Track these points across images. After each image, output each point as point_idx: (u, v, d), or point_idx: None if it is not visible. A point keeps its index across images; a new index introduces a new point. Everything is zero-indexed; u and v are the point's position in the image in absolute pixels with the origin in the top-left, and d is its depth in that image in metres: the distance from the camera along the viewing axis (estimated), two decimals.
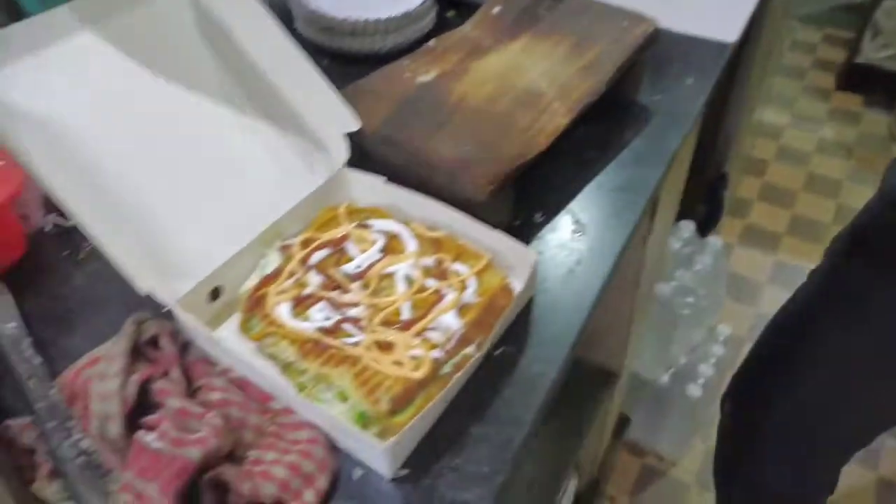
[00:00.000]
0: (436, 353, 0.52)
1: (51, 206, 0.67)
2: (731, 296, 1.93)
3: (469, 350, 0.54)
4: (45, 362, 0.56)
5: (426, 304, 0.56)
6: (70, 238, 0.68)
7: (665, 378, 1.55)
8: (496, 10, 0.82)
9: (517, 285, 0.58)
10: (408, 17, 0.87)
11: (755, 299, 1.97)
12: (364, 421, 0.51)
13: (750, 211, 2.22)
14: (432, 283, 0.57)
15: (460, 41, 0.77)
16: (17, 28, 0.53)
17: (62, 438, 0.50)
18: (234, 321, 0.60)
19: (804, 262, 2.02)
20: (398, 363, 0.52)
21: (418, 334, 0.53)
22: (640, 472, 1.62)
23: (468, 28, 0.80)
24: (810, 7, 2.90)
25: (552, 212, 0.69)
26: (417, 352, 0.52)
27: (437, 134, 0.65)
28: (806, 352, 0.94)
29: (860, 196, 2.27)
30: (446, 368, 0.52)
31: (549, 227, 0.68)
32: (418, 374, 0.51)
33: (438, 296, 0.56)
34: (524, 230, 0.67)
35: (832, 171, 2.36)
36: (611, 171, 0.74)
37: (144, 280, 0.53)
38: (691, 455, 1.64)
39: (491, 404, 0.54)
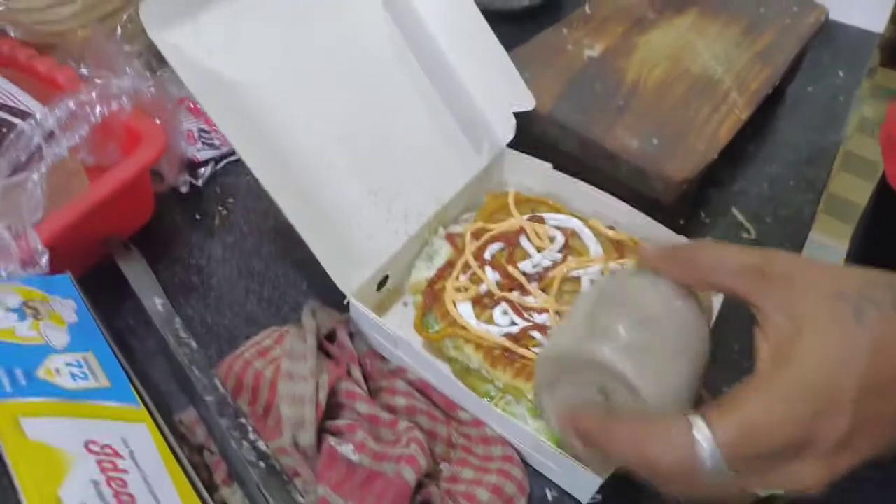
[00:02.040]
0: None
1: (188, 168, 0.61)
2: None
3: None
4: (198, 345, 0.51)
5: None
6: (201, 201, 0.62)
7: None
8: None
9: (714, 299, 0.54)
10: None
11: None
12: (557, 440, 0.48)
13: None
14: None
15: (619, 11, 0.71)
16: None
17: (238, 439, 0.46)
18: (400, 312, 0.56)
19: (837, 242, 2.02)
20: None
21: None
22: None
23: None
24: None
25: (718, 211, 0.65)
26: None
27: (617, 121, 0.60)
28: None
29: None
30: None
31: (717, 227, 0.64)
32: None
33: None
34: (690, 230, 0.63)
35: (869, 153, 2.33)
36: (774, 168, 0.69)
37: (340, 277, 0.48)
38: None
39: None
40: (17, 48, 0.60)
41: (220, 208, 0.62)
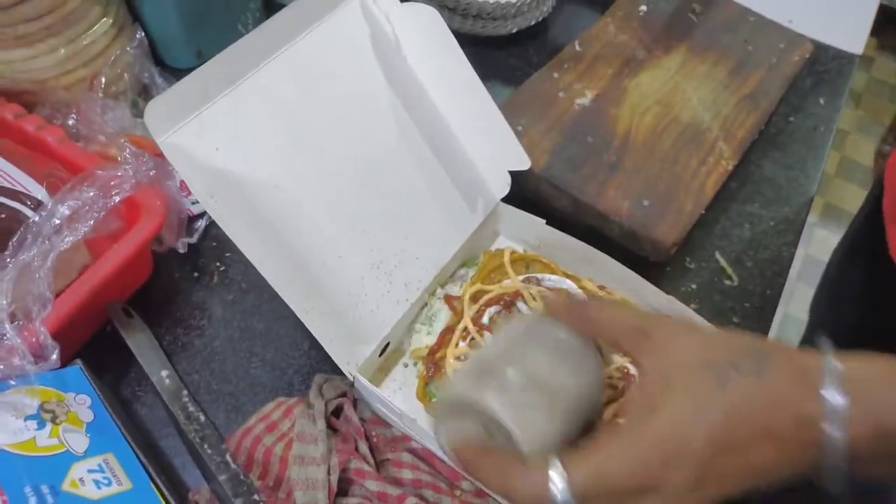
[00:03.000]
0: None
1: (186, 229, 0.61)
2: None
3: None
4: (207, 417, 0.53)
5: (613, 382, 0.54)
6: (198, 256, 0.63)
7: None
8: (642, 9, 0.75)
9: None
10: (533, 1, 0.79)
11: (786, 299, 1.97)
12: None
13: None
14: (616, 358, 0.55)
15: (609, 48, 0.71)
16: (207, 69, 0.45)
17: None
18: (401, 373, 0.58)
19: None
20: None
21: (615, 415, 0.53)
22: None
23: (612, 29, 0.73)
24: None
25: (701, 256, 0.67)
26: None
27: (609, 180, 0.61)
28: None
29: (863, 151, 2.29)
30: None
31: (701, 273, 0.66)
32: None
33: (625, 373, 0.55)
34: (675, 276, 0.66)
35: (839, 121, 2.35)
36: (755, 208, 0.71)
37: (343, 357, 0.50)
38: None
39: None
40: (3, 106, 0.58)
41: (218, 264, 0.62)
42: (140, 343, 0.56)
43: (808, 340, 0.91)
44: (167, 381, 0.54)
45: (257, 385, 0.56)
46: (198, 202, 0.63)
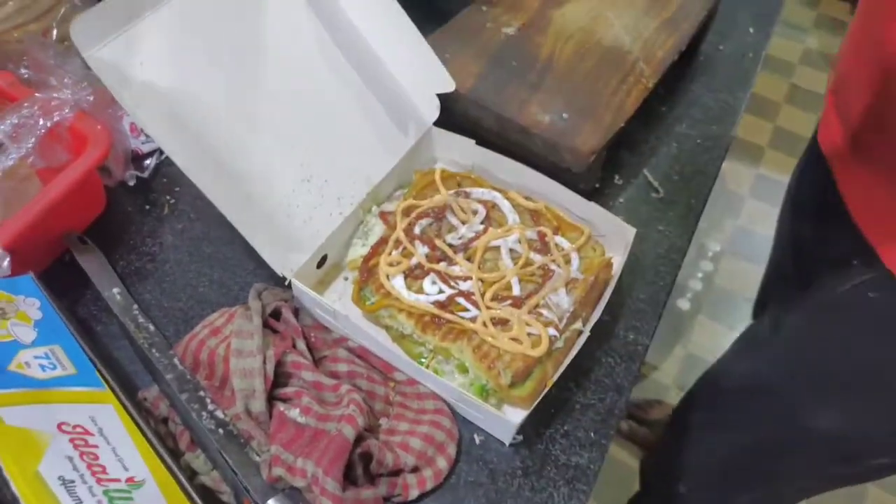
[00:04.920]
0: (552, 332, 0.55)
1: (133, 160, 0.65)
2: (716, 209, 2.01)
3: (577, 325, 0.57)
4: (157, 328, 0.57)
5: (534, 280, 0.58)
6: (149, 191, 0.66)
7: None
8: None
9: (616, 259, 0.61)
10: None
11: (738, 212, 2.05)
12: (484, 393, 0.54)
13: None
14: (537, 258, 0.59)
15: None
16: None
17: (198, 410, 0.52)
18: (341, 285, 0.61)
19: (785, 176, 2.10)
20: (516, 340, 0.55)
21: (531, 311, 0.56)
22: None
23: None
24: None
25: (630, 173, 0.71)
26: (534, 329, 0.55)
27: (531, 98, 0.64)
28: None
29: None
30: (558, 344, 0.56)
31: (629, 188, 0.70)
32: (537, 352, 0.54)
33: (546, 271, 0.58)
34: (604, 192, 0.69)
35: (815, 85, 2.39)
36: (683, 129, 0.75)
37: (278, 262, 0.54)
38: (671, 360, 1.77)
39: (594, 373, 0.58)
40: None
41: (168, 198, 0.66)
42: (94, 266, 0.60)
43: (778, 248, 0.94)
44: (118, 297, 0.58)
45: (205, 302, 0.60)
46: (148, 140, 0.67)
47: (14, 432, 0.41)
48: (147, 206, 0.66)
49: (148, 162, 0.67)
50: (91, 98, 0.53)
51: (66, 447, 0.42)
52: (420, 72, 0.63)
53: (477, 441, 0.55)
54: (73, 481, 0.40)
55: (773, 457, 0.82)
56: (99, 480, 0.41)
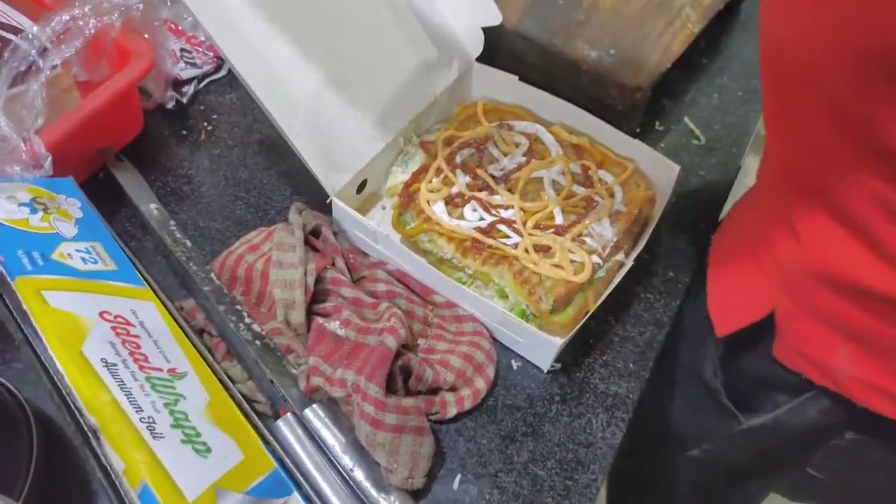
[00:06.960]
0: (595, 259, 0.54)
1: (172, 86, 0.64)
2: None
3: (619, 257, 0.56)
4: (193, 244, 0.56)
5: (577, 210, 0.57)
6: (187, 117, 0.66)
7: None
8: None
9: (658, 196, 0.60)
10: None
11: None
12: (524, 318, 0.53)
13: None
14: (580, 190, 0.58)
15: None
16: None
17: (236, 322, 0.51)
18: (379, 213, 0.60)
19: None
20: (558, 266, 0.54)
21: (574, 239, 0.55)
22: None
23: None
24: None
25: (671, 120, 0.70)
26: (577, 256, 0.54)
27: (578, 33, 0.64)
28: None
29: None
30: (600, 273, 0.55)
31: (670, 134, 0.69)
32: (580, 278, 0.53)
33: (590, 202, 0.57)
34: (645, 136, 0.68)
35: None
36: (724, 80, 0.74)
37: (325, 179, 0.53)
38: None
39: (633, 308, 0.57)
40: None
41: (206, 124, 0.65)
42: (131, 182, 0.59)
43: None
44: (155, 212, 0.57)
45: (242, 223, 0.59)
46: (186, 68, 0.67)
47: (58, 314, 0.40)
48: (184, 132, 0.65)
49: (186, 88, 0.66)
50: (141, 6, 0.53)
51: (108, 333, 0.41)
52: (466, 4, 0.62)
53: (514, 367, 0.54)
54: (115, 364, 0.40)
55: None
56: (141, 367, 0.40)
